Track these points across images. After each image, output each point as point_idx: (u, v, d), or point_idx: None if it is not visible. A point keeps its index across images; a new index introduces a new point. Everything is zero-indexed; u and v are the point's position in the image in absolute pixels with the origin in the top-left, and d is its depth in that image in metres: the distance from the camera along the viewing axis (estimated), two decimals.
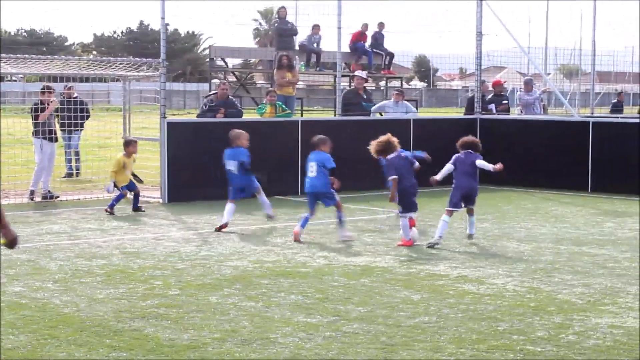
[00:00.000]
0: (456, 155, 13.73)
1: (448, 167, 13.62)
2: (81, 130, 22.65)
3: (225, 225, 14.42)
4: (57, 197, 18.12)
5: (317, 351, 7.82)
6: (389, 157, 13.35)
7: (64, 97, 22.13)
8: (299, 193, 18.99)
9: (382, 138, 13.43)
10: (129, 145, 16.88)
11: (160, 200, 17.89)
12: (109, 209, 16.14)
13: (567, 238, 13.95)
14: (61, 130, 21.23)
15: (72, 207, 17.01)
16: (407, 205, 13.30)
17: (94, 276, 10.79)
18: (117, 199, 16.38)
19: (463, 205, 13.63)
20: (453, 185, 13.66)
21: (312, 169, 13.76)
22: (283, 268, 11.43)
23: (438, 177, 13.62)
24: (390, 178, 13.32)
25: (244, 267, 11.49)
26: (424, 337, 8.25)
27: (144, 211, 16.40)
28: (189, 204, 17.43)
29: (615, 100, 35.16)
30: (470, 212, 13.72)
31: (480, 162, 13.57)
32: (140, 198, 16.74)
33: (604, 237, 14.05)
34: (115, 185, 16.66)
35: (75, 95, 22.37)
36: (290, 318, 8.92)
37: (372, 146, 13.43)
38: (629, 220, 15.80)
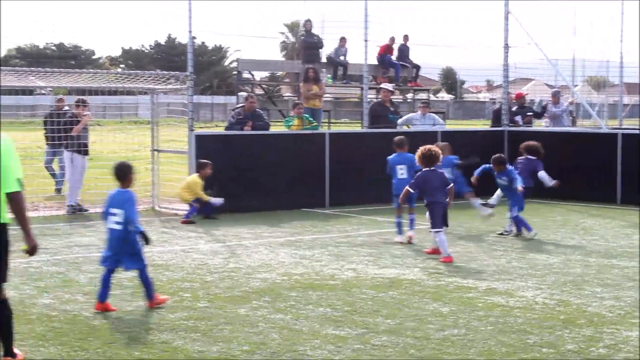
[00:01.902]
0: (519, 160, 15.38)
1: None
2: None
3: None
4: (87, 209, 18.21)
5: None
6: (424, 170, 13.09)
7: (53, 110, 21.35)
8: (326, 206, 19.02)
9: (428, 149, 13.09)
10: (205, 167, 17.40)
11: None
12: (185, 219, 16.80)
13: (596, 250, 13.87)
14: (47, 144, 20.32)
15: (100, 220, 17.04)
16: (437, 220, 13.12)
17: (123, 288, 10.83)
18: (192, 212, 17.05)
19: None
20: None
21: (401, 171, 13.93)
22: (311, 280, 11.43)
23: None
24: (403, 193, 13.23)
25: (272, 279, 11.50)
26: (453, 350, 8.23)
27: (216, 218, 17.01)
28: (217, 216, 17.45)
29: None
30: None
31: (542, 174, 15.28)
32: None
33: (633, 249, 13.95)
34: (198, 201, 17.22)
35: (66, 107, 21.22)
36: (319, 331, 8.92)
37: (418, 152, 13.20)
38: None
